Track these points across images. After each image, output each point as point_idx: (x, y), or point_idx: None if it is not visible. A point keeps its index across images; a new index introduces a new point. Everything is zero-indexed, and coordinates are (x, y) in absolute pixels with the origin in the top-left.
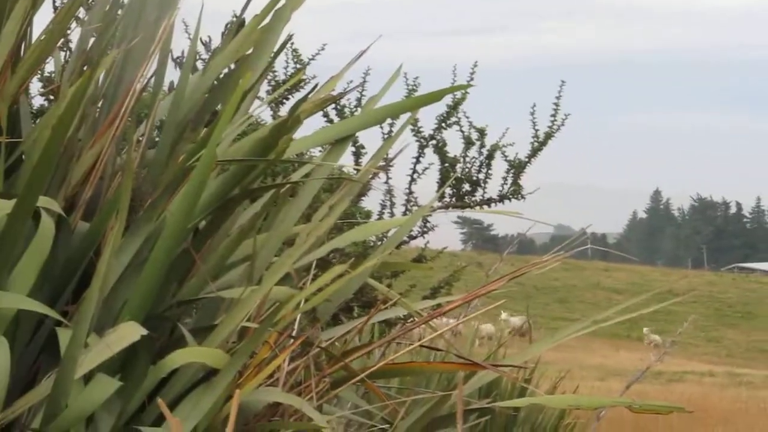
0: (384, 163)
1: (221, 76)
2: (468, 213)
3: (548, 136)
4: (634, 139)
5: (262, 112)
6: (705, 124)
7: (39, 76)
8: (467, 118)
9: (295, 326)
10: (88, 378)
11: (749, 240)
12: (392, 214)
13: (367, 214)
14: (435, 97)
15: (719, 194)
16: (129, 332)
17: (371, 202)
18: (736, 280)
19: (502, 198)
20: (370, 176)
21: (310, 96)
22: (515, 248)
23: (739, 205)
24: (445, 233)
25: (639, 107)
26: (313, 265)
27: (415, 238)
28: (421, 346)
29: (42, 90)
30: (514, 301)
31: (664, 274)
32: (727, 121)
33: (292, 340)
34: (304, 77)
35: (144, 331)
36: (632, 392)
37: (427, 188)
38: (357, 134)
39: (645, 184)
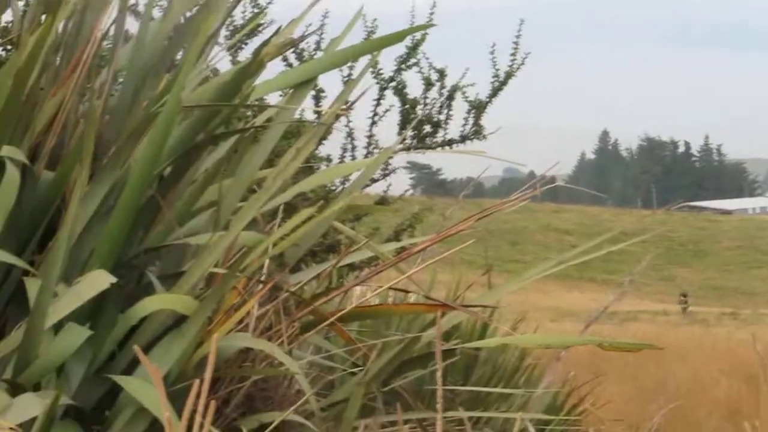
0: (345, 107)
1: (181, 21)
2: (417, 157)
3: (509, 75)
4: (579, 78)
5: (221, 59)
6: (647, 60)
7: None
8: (427, 59)
9: (264, 271)
10: (57, 327)
11: (698, 179)
12: (353, 158)
13: (328, 159)
14: (396, 38)
15: (667, 134)
16: (98, 280)
17: (331, 146)
18: (687, 219)
19: (463, 139)
20: (333, 120)
21: (272, 39)
22: (466, 192)
23: (687, 144)
24: (396, 178)
25: (584, 43)
26: (280, 210)
27: (377, 181)
28: (390, 288)
29: (0, 40)
30: (468, 246)
31: (614, 214)
32: (674, 57)
33: (260, 285)
34: (261, 22)
35: (113, 279)
36: (588, 332)
37: (387, 131)
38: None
39: (593, 124)
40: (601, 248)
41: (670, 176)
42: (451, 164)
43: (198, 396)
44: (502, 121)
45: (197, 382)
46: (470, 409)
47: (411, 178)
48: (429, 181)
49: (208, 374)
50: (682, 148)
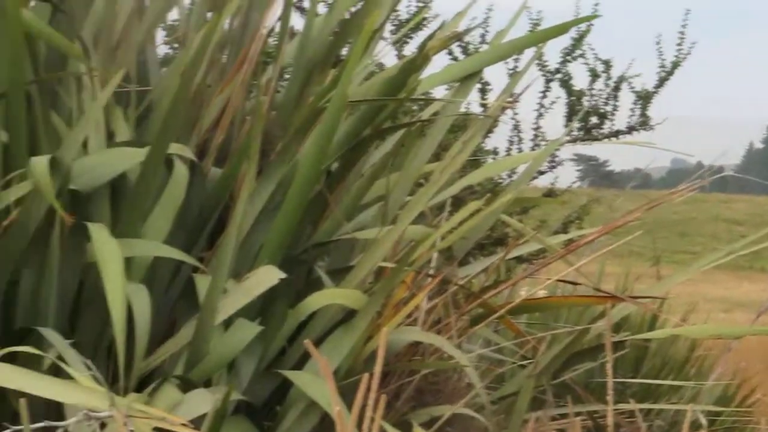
0: (511, 99)
1: (346, 17)
2: (583, 149)
3: (675, 65)
4: (746, 66)
5: (387, 54)
6: None
7: (162, 24)
8: (592, 50)
9: (432, 265)
10: (227, 324)
11: None
12: (520, 150)
13: (494, 152)
14: (561, 29)
15: None
16: (267, 276)
17: (498, 139)
18: None
19: (630, 130)
20: (500, 112)
21: (437, 33)
22: (633, 183)
23: None
24: (562, 170)
25: (751, 30)
26: (448, 203)
27: (543, 173)
28: (559, 280)
29: (166, 39)
30: (636, 237)
31: None
32: None
33: (429, 279)
34: (426, 16)
35: (282, 275)
36: (759, 322)
37: (553, 123)
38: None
39: (761, 113)
40: None
41: None
42: (617, 156)
43: (368, 390)
44: (668, 111)
45: (367, 376)
46: (640, 401)
47: (577, 170)
48: (596, 172)
49: (377, 368)
50: None
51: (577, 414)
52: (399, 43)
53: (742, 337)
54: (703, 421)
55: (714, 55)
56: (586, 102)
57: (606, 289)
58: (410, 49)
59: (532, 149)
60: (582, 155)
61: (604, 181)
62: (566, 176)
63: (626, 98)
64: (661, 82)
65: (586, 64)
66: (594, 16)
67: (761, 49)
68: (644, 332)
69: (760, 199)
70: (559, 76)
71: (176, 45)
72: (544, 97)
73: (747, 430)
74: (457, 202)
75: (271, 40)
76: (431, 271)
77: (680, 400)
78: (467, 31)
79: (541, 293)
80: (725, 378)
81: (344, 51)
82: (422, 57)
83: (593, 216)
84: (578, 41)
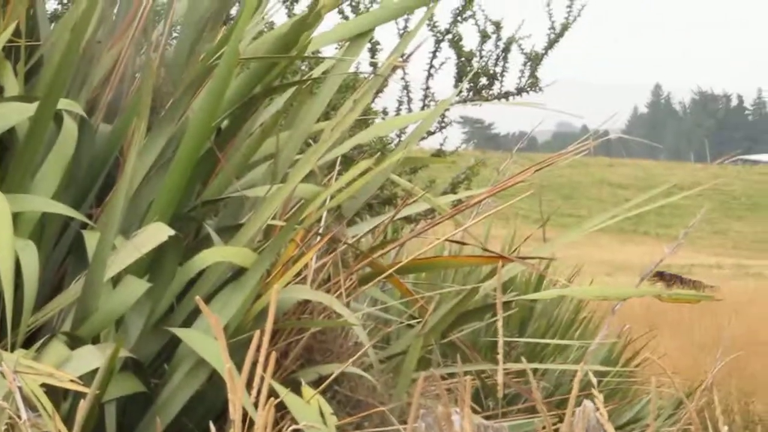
0: (401, 59)
1: None
2: (469, 111)
3: (565, 27)
4: (632, 32)
5: (277, 11)
6: (699, 15)
7: None
8: (483, 11)
9: (322, 224)
10: (116, 281)
11: (751, 132)
12: (410, 110)
13: (384, 112)
14: None
15: (720, 87)
16: (156, 233)
17: (388, 99)
18: (741, 173)
19: (519, 91)
20: (390, 72)
21: None
22: (520, 146)
23: (740, 97)
24: (449, 132)
25: None
26: (338, 162)
27: (433, 133)
28: (448, 240)
29: None
30: (522, 200)
31: (668, 168)
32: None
33: (318, 238)
34: None
35: (171, 232)
36: (642, 285)
37: (443, 84)
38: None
39: (645, 78)
40: (655, 201)
41: (723, 129)
42: (503, 118)
43: (259, 348)
44: (556, 74)
45: (257, 333)
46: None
47: (464, 133)
48: (481, 135)
49: (268, 325)
50: (735, 102)
51: (465, 373)
52: (289, 2)
53: (626, 299)
54: (594, 380)
55: (602, 18)
56: (476, 63)
57: (495, 249)
58: (301, 8)
59: (422, 110)
60: (468, 118)
61: (490, 143)
62: (453, 138)
63: (516, 60)
64: (551, 44)
65: (477, 25)
66: None
67: (650, 13)
68: (530, 293)
69: (644, 162)
70: (449, 36)
71: (66, 1)
72: (434, 57)
73: (632, 391)
74: (347, 161)
75: None
76: (321, 230)
77: (565, 361)
78: None
79: (430, 253)
80: (610, 340)
81: (235, 10)
82: (314, 15)
83: (480, 178)
84: (469, 2)
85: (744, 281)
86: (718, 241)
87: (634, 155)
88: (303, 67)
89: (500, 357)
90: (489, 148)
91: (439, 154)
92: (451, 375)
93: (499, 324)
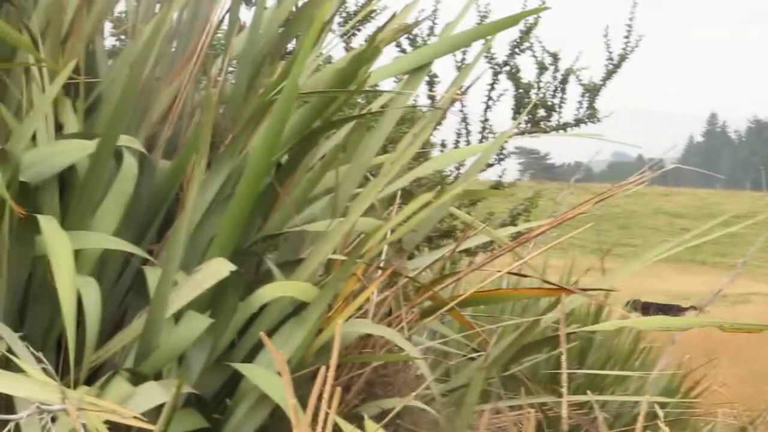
0: (460, 92)
1: (295, 9)
2: (525, 142)
3: (622, 58)
4: (687, 61)
5: (335, 46)
6: (754, 44)
7: (110, 16)
8: (540, 43)
9: (382, 257)
10: (177, 316)
11: None
12: (468, 143)
13: (442, 144)
14: (509, 22)
15: None
16: (218, 268)
17: (446, 132)
18: None
19: (577, 122)
20: (448, 105)
21: (387, 25)
22: (577, 176)
23: None
24: (505, 163)
25: (692, 26)
26: (398, 196)
27: (492, 165)
28: (509, 272)
29: (114, 30)
30: (579, 231)
31: (724, 196)
32: None
33: (380, 272)
34: (374, 8)
35: (233, 267)
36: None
37: (501, 115)
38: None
39: (700, 107)
40: (714, 231)
41: None
42: (558, 149)
43: (323, 383)
44: (613, 105)
45: (323, 368)
46: (585, 393)
47: (519, 163)
48: (537, 165)
49: (333, 360)
50: None
51: (529, 406)
52: (347, 36)
53: (687, 330)
54: (659, 411)
55: (659, 49)
56: (533, 94)
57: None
58: (358, 41)
59: (480, 142)
60: (523, 148)
61: (545, 174)
62: (510, 170)
63: (574, 91)
64: (609, 75)
65: (534, 56)
66: (542, 8)
67: (703, 46)
68: (589, 324)
69: (699, 191)
70: (507, 68)
71: (124, 37)
72: (492, 89)
73: (693, 421)
74: (407, 194)
75: (221, 33)
76: (381, 264)
77: (625, 391)
78: (416, 23)
79: (488, 286)
80: (670, 370)
81: (292, 44)
82: (373, 49)
83: (538, 209)
84: (526, 34)
85: None
86: None
87: (690, 184)
88: (361, 101)
89: (564, 390)
90: (545, 178)
91: (497, 186)
92: (512, 408)
93: (563, 355)
